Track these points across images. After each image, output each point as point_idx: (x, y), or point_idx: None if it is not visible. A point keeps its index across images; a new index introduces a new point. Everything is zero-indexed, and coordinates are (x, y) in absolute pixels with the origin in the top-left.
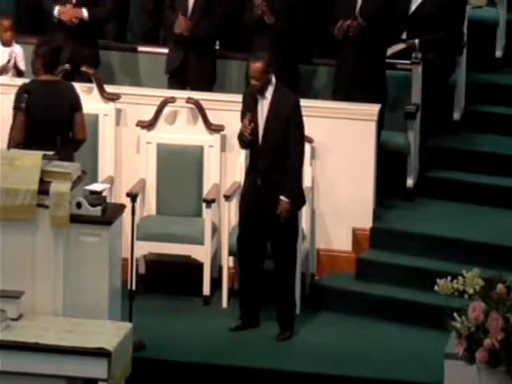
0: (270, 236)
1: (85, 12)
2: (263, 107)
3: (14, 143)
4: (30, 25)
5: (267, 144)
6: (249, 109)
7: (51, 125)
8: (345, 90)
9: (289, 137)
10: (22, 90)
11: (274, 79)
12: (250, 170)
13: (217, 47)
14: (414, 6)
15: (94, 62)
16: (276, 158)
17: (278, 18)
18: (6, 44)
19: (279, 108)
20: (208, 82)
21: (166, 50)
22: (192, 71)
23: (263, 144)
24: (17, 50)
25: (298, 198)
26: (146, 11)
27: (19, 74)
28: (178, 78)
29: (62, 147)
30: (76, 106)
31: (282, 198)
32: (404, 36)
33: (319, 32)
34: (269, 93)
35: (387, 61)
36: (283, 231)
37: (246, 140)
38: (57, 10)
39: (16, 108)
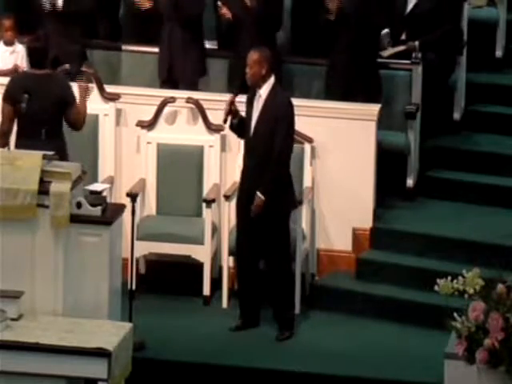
0: (261, 236)
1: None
2: (258, 105)
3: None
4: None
5: (257, 142)
6: (247, 105)
7: (36, 117)
8: (338, 90)
9: (274, 136)
10: (18, 88)
11: (272, 79)
12: (243, 169)
13: (216, 47)
14: (410, 6)
15: (80, 58)
16: (263, 158)
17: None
18: (8, 43)
19: (271, 107)
20: (196, 73)
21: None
22: (179, 67)
23: (253, 142)
24: (19, 49)
25: (287, 199)
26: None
27: None
28: (170, 83)
29: (48, 140)
30: (66, 99)
31: (258, 193)
32: (403, 37)
33: (310, 30)
34: (264, 91)
35: (387, 61)
36: (273, 232)
37: (229, 121)
38: None
39: (7, 101)
